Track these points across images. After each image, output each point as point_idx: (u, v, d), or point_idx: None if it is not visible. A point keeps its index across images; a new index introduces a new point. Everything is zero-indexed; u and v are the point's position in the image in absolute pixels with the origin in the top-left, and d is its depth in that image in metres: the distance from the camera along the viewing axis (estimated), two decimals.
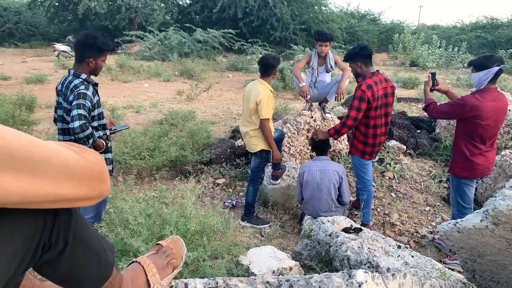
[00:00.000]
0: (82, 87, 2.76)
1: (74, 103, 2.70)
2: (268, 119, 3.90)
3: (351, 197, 4.57)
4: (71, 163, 0.82)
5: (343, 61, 4.16)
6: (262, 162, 4.16)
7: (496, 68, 3.18)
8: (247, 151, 5.84)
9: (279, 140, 4.51)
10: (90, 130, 2.71)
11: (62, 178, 0.79)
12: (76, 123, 2.65)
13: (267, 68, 3.95)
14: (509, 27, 27.18)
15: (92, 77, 2.96)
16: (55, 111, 3.05)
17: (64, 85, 2.86)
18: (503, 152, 4.59)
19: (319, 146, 4.12)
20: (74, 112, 2.67)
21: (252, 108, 3.89)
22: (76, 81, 2.80)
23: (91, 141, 2.76)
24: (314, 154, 4.28)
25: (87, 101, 2.74)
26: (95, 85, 2.95)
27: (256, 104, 3.84)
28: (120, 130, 3.56)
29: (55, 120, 3.07)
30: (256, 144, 4.04)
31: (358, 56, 3.76)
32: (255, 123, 3.96)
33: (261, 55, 18.08)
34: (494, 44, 25.75)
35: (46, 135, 6.37)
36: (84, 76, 2.84)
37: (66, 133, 2.95)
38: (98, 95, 2.98)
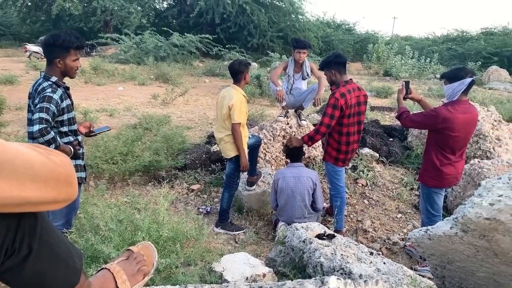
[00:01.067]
0: (49, 90, 2.63)
1: (38, 106, 2.57)
2: (240, 123, 3.87)
3: (324, 204, 4.60)
4: (36, 165, 0.79)
5: (319, 69, 4.20)
6: (237, 167, 4.14)
7: (469, 80, 3.27)
8: (223, 156, 5.84)
9: (255, 147, 4.51)
10: (51, 135, 2.57)
11: (26, 180, 0.77)
12: (36, 127, 2.50)
13: (235, 74, 3.96)
14: (478, 41, 28.12)
15: (66, 79, 2.85)
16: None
17: (34, 88, 2.75)
18: (472, 161, 4.71)
19: (293, 153, 4.15)
20: (36, 115, 2.54)
21: (225, 113, 3.87)
22: (45, 84, 2.68)
23: (52, 146, 2.59)
24: (289, 160, 4.29)
25: (51, 104, 2.60)
26: (66, 88, 2.83)
27: (229, 108, 3.83)
28: (101, 132, 3.41)
29: None
30: (230, 150, 4.02)
31: (333, 64, 3.82)
32: (229, 129, 3.93)
33: None
34: (464, 56, 26.60)
35: (15, 138, 6.18)
36: (54, 79, 2.72)
37: (33, 136, 2.78)
38: (70, 99, 2.86)
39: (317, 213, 4.16)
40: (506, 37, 27.34)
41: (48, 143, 2.55)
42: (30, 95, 2.78)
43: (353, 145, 3.94)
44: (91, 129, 3.18)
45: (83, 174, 3.00)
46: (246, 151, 4.09)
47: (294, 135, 5.41)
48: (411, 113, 3.65)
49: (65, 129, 2.84)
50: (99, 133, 3.30)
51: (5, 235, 0.83)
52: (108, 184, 5.02)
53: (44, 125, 2.53)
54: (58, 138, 2.65)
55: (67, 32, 2.69)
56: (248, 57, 19.85)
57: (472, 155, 5.46)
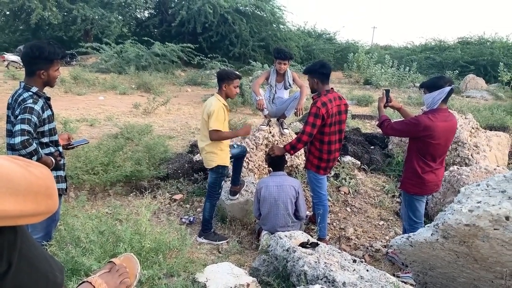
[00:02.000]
0: (30, 100, 2.60)
1: (19, 117, 2.53)
2: (216, 130, 3.82)
3: (307, 212, 4.62)
4: (15, 178, 0.77)
5: (303, 73, 4.22)
6: (219, 177, 4.14)
7: (448, 88, 3.34)
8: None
9: (240, 157, 4.52)
10: (34, 146, 2.54)
11: (5, 194, 0.75)
12: (18, 139, 2.47)
13: (218, 81, 4.01)
14: (455, 50, 28.77)
15: (46, 89, 2.82)
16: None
17: (13, 98, 2.70)
18: (451, 168, 4.80)
19: (275, 161, 4.16)
20: (17, 127, 2.50)
21: (206, 121, 3.89)
22: (25, 95, 2.64)
23: (35, 158, 2.56)
24: (271, 169, 4.30)
25: (33, 116, 2.58)
26: (47, 99, 2.80)
27: (208, 116, 3.84)
28: (79, 145, 3.37)
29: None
30: (212, 160, 4.01)
31: (317, 73, 3.86)
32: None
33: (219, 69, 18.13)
34: (442, 65, 27.15)
35: None
36: (35, 89, 2.68)
37: (15, 148, 2.72)
38: (50, 110, 2.83)
39: (300, 222, 4.17)
40: (482, 46, 28.02)
41: (30, 155, 2.51)
42: (10, 105, 2.73)
43: (334, 154, 3.99)
44: (70, 141, 3.15)
45: (63, 185, 2.95)
46: (229, 161, 4.14)
47: (277, 143, 5.43)
48: (392, 121, 3.70)
49: (46, 140, 2.81)
50: (77, 146, 3.28)
51: None
52: (89, 195, 4.94)
53: (26, 137, 2.49)
54: (39, 150, 2.61)
55: (49, 43, 2.68)
56: (230, 66, 19.87)
57: (451, 162, 5.57)
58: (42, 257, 1.00)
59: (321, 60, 3.99)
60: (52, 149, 2.86)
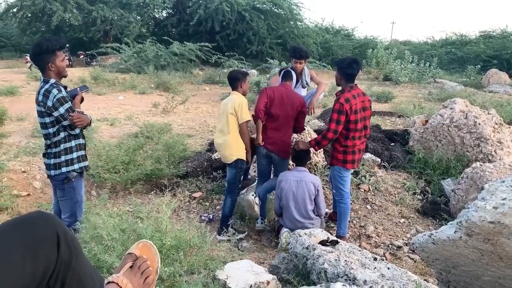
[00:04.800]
0: (55, 90, 2.90)
1: (60, 111, 2.90)
2: (248, 121, 4.11)
3: (327, 209, 4.60)
4: None
5: (334, 64, 4.26)
6: (238, 172, 4.24)
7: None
8: (224, 164, 5.83)
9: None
10: (87, 118, 3.10)
11: None
12: (77, 130, 3.10)
13: (233, 81, 4.21)
14: (477, 44, 28.15)
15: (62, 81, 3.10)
16: None
17: (39, 93, 2.96)
18: (474, 165, 4.70)
19: (300, 156, 4.17)
20: (67, 121, 2.95)
21: (231, 115, 4.04)
22: (47, 86, 2.93)
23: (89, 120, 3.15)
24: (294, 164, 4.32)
25: (69, 102, 2.96)
26: (65, 88, 3.07)
27: (235, 110, 4.02)
28: (84, 91, 3.31)
29: None
30: (231, 154, 4.14)
31: (342, 72, 3.87)
32: (231, 132, 4.08)
33: (237, 68, 18.21)
34: (463, 59, 26.60)
35: (17, 148, 6.19)
36: (53, 80, 2.96)
37: (47, 138, 3.08)
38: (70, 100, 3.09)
39: (320, 218, 4.15)
40: (504, 40, 27.36)
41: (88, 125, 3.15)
42: (39, 101, 2.97)
43: (360, 147, 4.00)
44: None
45: (86, 163, 3.27)
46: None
47: (300, 139, 5.41)
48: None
49: (77, 131, 3.15)
50: (83, 92, 3.29)
51: (44, 275, 0.85)
52: (110, 193, 5.01)
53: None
54: (87, 116, 3.15)
55: (46, 38, 2.98)
56: (248, 64, 19.89)
57: (474, 159, 5.45)
58: (89, 274, 1.04)
59: (351, 58, 3.92)
60: (82, 141, 3.26)
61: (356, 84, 3.93)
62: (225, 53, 20.54)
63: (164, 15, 30.94)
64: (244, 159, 4.22)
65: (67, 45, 22.45)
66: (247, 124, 4.14)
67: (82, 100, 3.28)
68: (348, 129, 3.84)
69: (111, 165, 5.13)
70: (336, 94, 3.96)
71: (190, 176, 5.59)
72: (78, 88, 3.28)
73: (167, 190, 4.98)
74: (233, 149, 4.12)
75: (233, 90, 4.22)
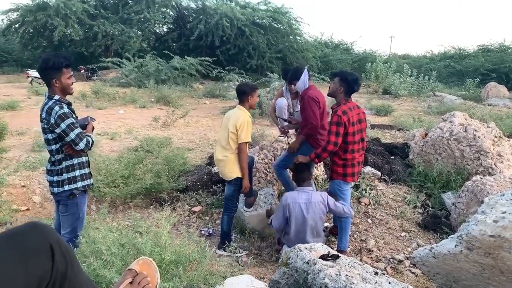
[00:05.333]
0: (57, 107, 2.88)
1: (62, 127, 2.87)
2: (247, 143, 3.98)
3: (327, 223, 4.57)
4: None
5: (333, 74, 4.19)
6: (237, 190, 4.18)
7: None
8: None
9: (249, 167, 4.50)
10: (85, 139, 2.99)
11: None
12: (81, 145, 2.95)
13: (241, 95, 4.07)
14: (475, 58, 28.36)
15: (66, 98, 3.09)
16: None
17: (43, 109, 2.97)
18: (474, 178, 4.70)
19: (300, 171, 4.00)
20: (71, 135, 2.90)
21: (231, 133, 3.92)
22: (50, 103, 2.93)
23: (90, 144, 3.07)
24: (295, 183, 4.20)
25: (70, 118, 2.92)
26: (69, 104, 3.07)
27: (236, 129, 3.89)
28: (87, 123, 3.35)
29: None
30: (231, 171, 4.05)
31: (347, 85, 3.86)
32: (232, 149, 3.97)
33: (238, 82, 18.29)
34: (462, 73, 26.77)
35: (17, 163, 6.19)
36: (57, 97, 2.96)
37: (52, 154, 3.07)
38: (74, 114, 3.07)
39: (322, 236, 4.02)
40: (503, 54, 27.57)
41: (90, 144, 3.06)
42: (42, 118, 2.97)
43: (358, 159, 4.00)
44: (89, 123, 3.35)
45: (90, 181, 3.26)
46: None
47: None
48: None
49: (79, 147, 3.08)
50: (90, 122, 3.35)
51: (39, 286, 0.85)
52: (110, 207, 5.00)
53: (83, 138, 2.97)
54: (88, 137, 3.06)
55: (55, 54, 2.99)
56: (248, 78, 20.02)
57: (474, 172, 5.44)
58: (84, 284, 1.04)
59: (357, 75, 3.94)
60: (84, 159, 3.23)
61: (350, 97, 3.96)
62: (225, 67, 20.71)
63: (165, 30, 31.29)
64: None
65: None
66: (246, 146, 4.02)
67: (92, 129, 3.34)
68: (346, 142, 3.84)
69: (110, 179, 5.13)
70: (332, 108, 3.97)
71: (190, 190, 5.58)
72: (89, 118, 3.36)
73: (167, 204, 4.96)
74: (234, 167, 4.02)
75: (239, 103, 4.11)
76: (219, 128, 4.22)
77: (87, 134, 3.09)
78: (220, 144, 4.12)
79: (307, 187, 3.94)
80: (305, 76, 4.38)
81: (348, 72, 4.02)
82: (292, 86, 4.67)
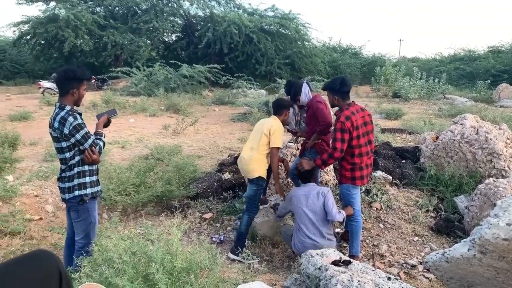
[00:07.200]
0: (71, 118, 3.00)
1: (77, 137, 3.02)
2: (279, 148, 4.21)
3: (339, 229, 4.55)
4: None
5: (322, 89, 4.28)
6: (259, 189, 4.26)
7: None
8: (235, 184, 5.82)
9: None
10: (98, 146, 3.18)
11: None
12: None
13: (279, 108, 4.36)
14: (486, 59, 28.12)
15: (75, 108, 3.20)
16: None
17: (54, 119, 3.04)
18: (487, 181, 4.64)
19: (304, 175, 4.14)
20: (86, 145, 3.07)
21: (264, 135, 4.12)
22: (63, 113, 3.02)
23: (102, 145, 3.27)
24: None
25: (84, 128, 3.06)
26: (80, 114, 3.19)
27: (270, 133, 4.11)
28: (112, 116, 3.58)
29: None
30: (254, 170, 4.16)
31: (337, 91, 3.92)
32: (259, 150, 4.14)
33: (246, 88, 18.32)
34: (472, 75, 26.55)
35: (30, 173, 6.27)
36: (68, 107, 3.06)
37: (63, 162, 3.15)
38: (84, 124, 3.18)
39: (332, 241, 4.01)
40: None
41: (99, 150, 3.21)
42: (54, 128, 3.06)
43: (367, 162, 3.97)
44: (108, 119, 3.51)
45: (98, 188, 3.34)
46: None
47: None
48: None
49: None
50: (112, 116, 3.55)
51: None
52: (121, 216, 5.03)
53: (95, 147, 3.15)
54: (98, 141, 3.23)
55: (79, 66, 3.23)
56: (256, 84, 20.11)
57: (487, 174, 5.38)
58: None
59: (340, 77, 4.01)
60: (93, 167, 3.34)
61: (353, 101, 3.97)
62: (234, 74, 20.81)
63: (174, 38, 31.59)
64: (265, 178, 4.27)
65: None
66: (277, 151, 4.20)
67: (109, 123, 3.48)
68: (352, 146, 3.83)
69: (122, 188, 5.17)
70: (335, 114, 3.98)
71: (200, 197, 5.60)
72: (106, 113, 3.50)
73: (178, 211, 4.97)
74: (257, 165, 4.15)
75: (275, 114, 4.34)
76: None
77: (98, 137, 3.24)
78: (249, 145, 4.27)
79: (309, 183, 4.14)
80: (305, 89, 4.54)
81: (331, 80, 4.11)
82: (297, 102, 4.77)
